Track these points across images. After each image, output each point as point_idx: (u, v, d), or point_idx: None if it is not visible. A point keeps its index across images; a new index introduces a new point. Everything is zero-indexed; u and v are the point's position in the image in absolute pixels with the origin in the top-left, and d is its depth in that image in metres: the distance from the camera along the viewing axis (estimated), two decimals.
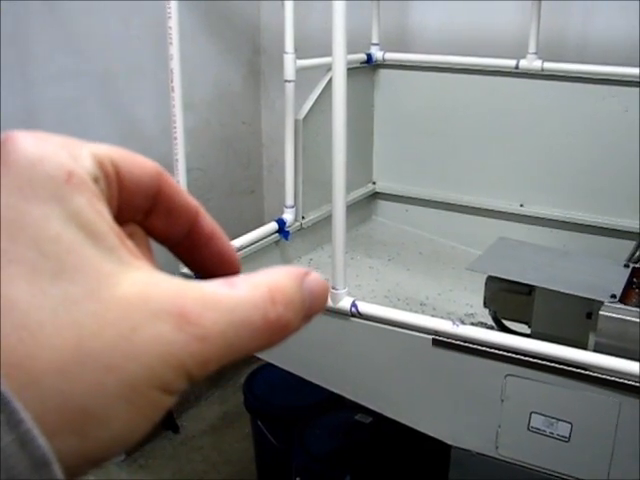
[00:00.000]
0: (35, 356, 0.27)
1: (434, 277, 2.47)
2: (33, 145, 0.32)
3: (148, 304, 0.29)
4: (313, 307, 0.32)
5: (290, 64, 2.25)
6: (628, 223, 2.45)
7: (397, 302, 2.27)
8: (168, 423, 3.29)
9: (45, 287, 0.28)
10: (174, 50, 1.84)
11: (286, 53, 2.25)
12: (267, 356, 2.05)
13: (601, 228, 2.52)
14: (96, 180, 0.33)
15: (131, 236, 0.35)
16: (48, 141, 0.33)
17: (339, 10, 1.60)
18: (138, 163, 0.35)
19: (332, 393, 1.96)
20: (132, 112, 3.04)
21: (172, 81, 1.86)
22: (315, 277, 0.33)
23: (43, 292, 0.28)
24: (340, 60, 1.63)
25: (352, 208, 2.50)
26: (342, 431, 2.56)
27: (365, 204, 2.92)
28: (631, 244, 2.20)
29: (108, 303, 0.29)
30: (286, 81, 2.28)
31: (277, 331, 0.31)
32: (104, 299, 0.29)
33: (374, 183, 2.95)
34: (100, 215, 0.31)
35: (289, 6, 2.21)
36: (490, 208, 2.70)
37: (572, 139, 2.53)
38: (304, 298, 0.32)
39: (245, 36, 3.58)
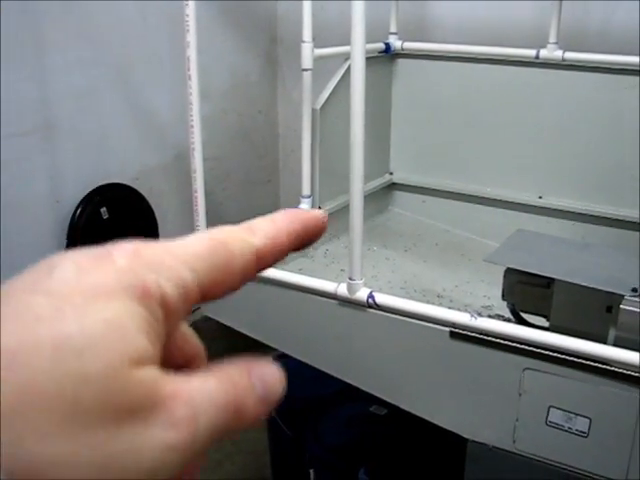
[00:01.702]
0: None
1: (451, 269, 2.45)
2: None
3: None
4: (267, 395, 0.35)
5: (308, 53, 2.23)
6: None
7: (414, 294, 2.25)
8: None
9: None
10: (191, 38, 1.82)
11: (304, 42, 2.23)
12: (282, 346, 2.04)
13: (620, 221, 2.49)
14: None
15: None
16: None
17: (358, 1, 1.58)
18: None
19: (347, 384, 1.94)
20: (148, 101, 3.04)
21: (189, 69, 1.85)
22: (265, 367, 0.36)
23: None
24: (359, 49, 1.61)
25: (369, 199, 2.48)
26: (357, 423, 2.54)
27: (382, 195, 2.90)
28: None
29: None
30: (303, 70, 2.26)
31: (235, 414, 0.33)
32: None
33: (391, 174, 2.93)
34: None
35: None
36: (508, 200, 2.68)
37: (592, 130, 2.50)
38: (255, 385, 0.35)
39: (262, 25, 3.56)
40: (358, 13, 1.59)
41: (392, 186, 2.94)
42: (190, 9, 1.81)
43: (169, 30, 2.98)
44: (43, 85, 2.60)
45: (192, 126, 1.89)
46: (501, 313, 2.07)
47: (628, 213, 2.47)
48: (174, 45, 2.93)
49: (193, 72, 1.85)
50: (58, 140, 2.68)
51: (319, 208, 2.43)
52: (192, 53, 1.83)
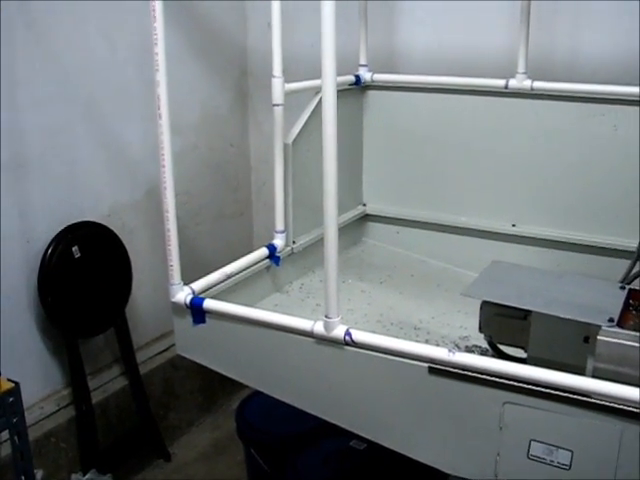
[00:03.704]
0: None
1: (427, 300, 2.44)
2: None
3: None
4: None
5: (278, 88, 2.23)
6: (621, 242, 2.43)
7: (390, 326, 2.24)
8: (159, 451, 3.24)
9: None
10: (161, 77, 1.81)
11: (274, 77, 2.22)
12: (259, 385, 2.01)
13: (594, 247, 2.51)
14: None
15: None
16: None
17: (328, 34, 1.57)
18: None
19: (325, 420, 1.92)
20: (119, 136, 3.01)
21: (159, 108, 1.83)
22: None
23: None
24: (330, 85, 1.60)
25: (343, 230, 2.46)
26: (336, 458, 2.52)
27: (355, 226, 2.90)
28: (625, 262, 2.18)
29: None
30: (274, 105, 2.25)
31: None
32: None
33: (364, 205, 2.93)
34: None
35: (276, 30, 2.19)
36: (482, 229, 2.68)
37: (563, 158, 2.52)
38: None
39: (232, 58, 3.56)
40: (329, 48, 1.58)
41: (366, 217, 2.94)
42: (159, 47, 1.79)
43: (138, 63, 2.97)
44: (11, 122, 2.57)
45: (164, 165, 1.87)
46: (478, 343, 2.07)
47: (601, 239, 2.49)
48: (144, 79, 2.92)
49: (164, 111, 1.83)
50: (28, 178, 2.64)
51: (293, 242, 2.42)
52: (162, 92, 1.82)
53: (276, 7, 2.19)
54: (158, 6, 1.78)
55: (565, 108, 2.48)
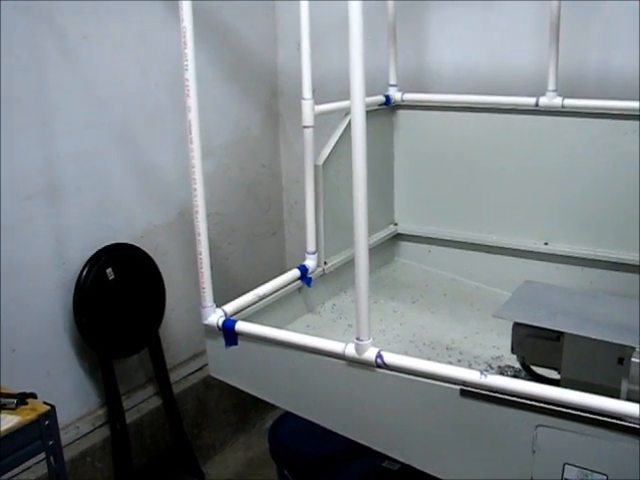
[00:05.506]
0: None
1: (459, 319, 2.43)
2: None
3: None
4: None
5: (308, 110, 2.24)
6: None
7: (422, 347, 2.24)
8: (193, 470, 3.25)
9: None
10: (192, 102, 1.83)
11: (304, 99, 2.24)
12: (290, 406, 2.02)
13: (628, 265, 2.48)
14: None
15: None
16: None
17: (357, 55, 1.58)
18: None
19: None
20: (152, 159, 3.05)
21: (190, 133, 1.85)
22: None
23: None
24: (359, 107, 1.61)
25: (374, 250, 2.47)
26: (370, 479, 2.51)
27: (387, 246, 2.90)
28: None
29: None
30: (305, 127, 2.27)
31: None
32: None
33: (395, 224, 2.93)
34: None
35: (306, 53, 2.21)
36: (514, 247, 2.67)
37: (595, 175, 2.50)
38: None
39: (263, 79, 3.59)
40: (357, 69, 1.59)
41: (397, 237, 2.94)
42: (190, 73, 1.82)
43: (171, 87, 3.00)
44: (46, 148, 2.62)
45: (195, 188, 1.89)
46: (511, 364, 2.05)
47: (634, 257, 2.45)
48: (176, 102, 2.94)
49: (195, 135, 1.85)
50: (63, 202, 2.69)
51: (324, 263, 2.43)
52: (193, 117, 1.84)
53: (305, 28, 2.21)
54: (189, 32, 1.80)
55: (596, 125, 2.46)
